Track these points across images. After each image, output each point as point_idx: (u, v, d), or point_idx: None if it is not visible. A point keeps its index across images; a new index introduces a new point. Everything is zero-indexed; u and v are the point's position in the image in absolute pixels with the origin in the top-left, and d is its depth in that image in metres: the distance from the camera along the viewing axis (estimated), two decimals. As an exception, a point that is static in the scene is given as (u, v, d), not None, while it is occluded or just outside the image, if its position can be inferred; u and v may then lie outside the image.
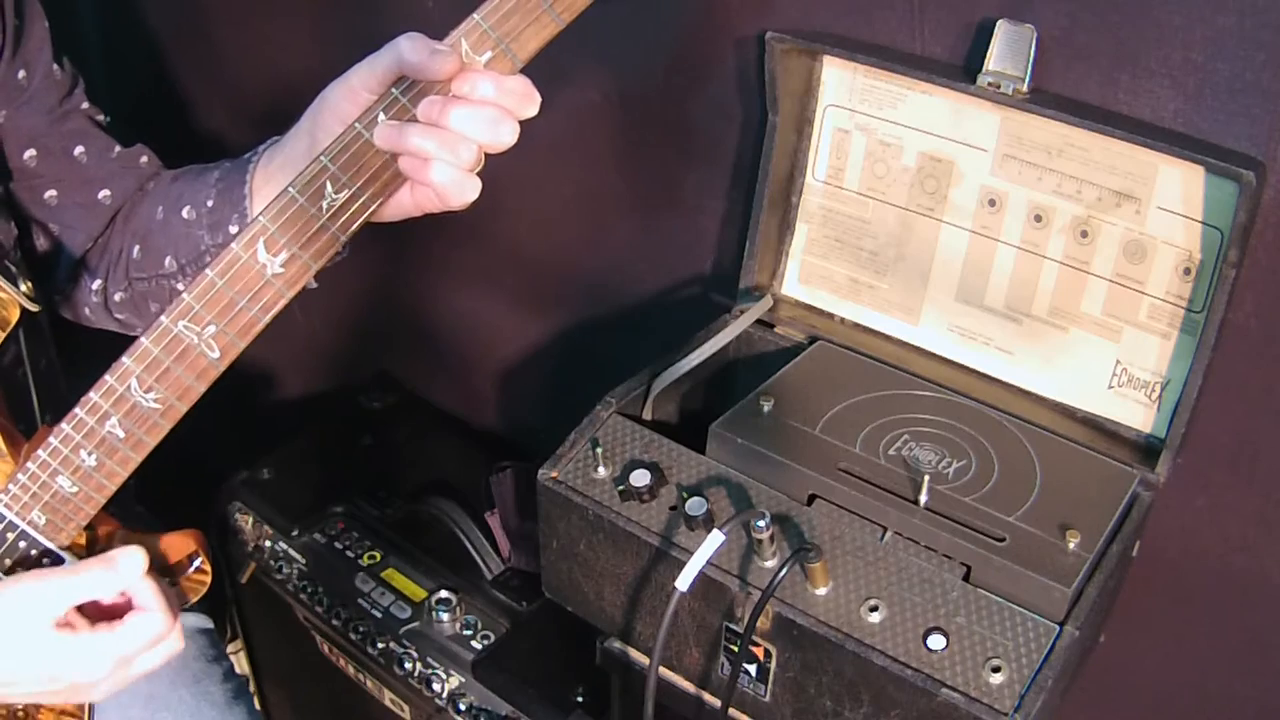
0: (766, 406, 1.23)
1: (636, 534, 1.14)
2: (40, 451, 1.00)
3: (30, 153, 1.21)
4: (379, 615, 1.64)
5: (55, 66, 1.21)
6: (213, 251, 1.14)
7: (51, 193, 1.23)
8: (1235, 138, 1.09)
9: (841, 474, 1.15)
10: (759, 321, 1.39)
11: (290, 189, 0.94)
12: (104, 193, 1.25)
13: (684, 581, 1.04)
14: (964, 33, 1.21)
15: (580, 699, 1.49)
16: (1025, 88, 1.15)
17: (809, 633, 1.05)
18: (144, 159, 1.28)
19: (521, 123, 0.93)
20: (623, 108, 1.56)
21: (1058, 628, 1.02)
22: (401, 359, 2.12)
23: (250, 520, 1.82)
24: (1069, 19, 1.14)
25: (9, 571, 1.04)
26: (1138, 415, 1.22)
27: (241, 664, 2.02)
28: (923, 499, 1.12)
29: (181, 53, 2.17)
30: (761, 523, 1.05)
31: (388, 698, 1.69)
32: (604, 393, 1.25)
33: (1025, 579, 1.05)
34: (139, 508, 1.38)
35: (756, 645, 1.09)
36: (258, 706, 1.48)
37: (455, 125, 0.90)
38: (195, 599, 1.12)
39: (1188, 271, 1.15)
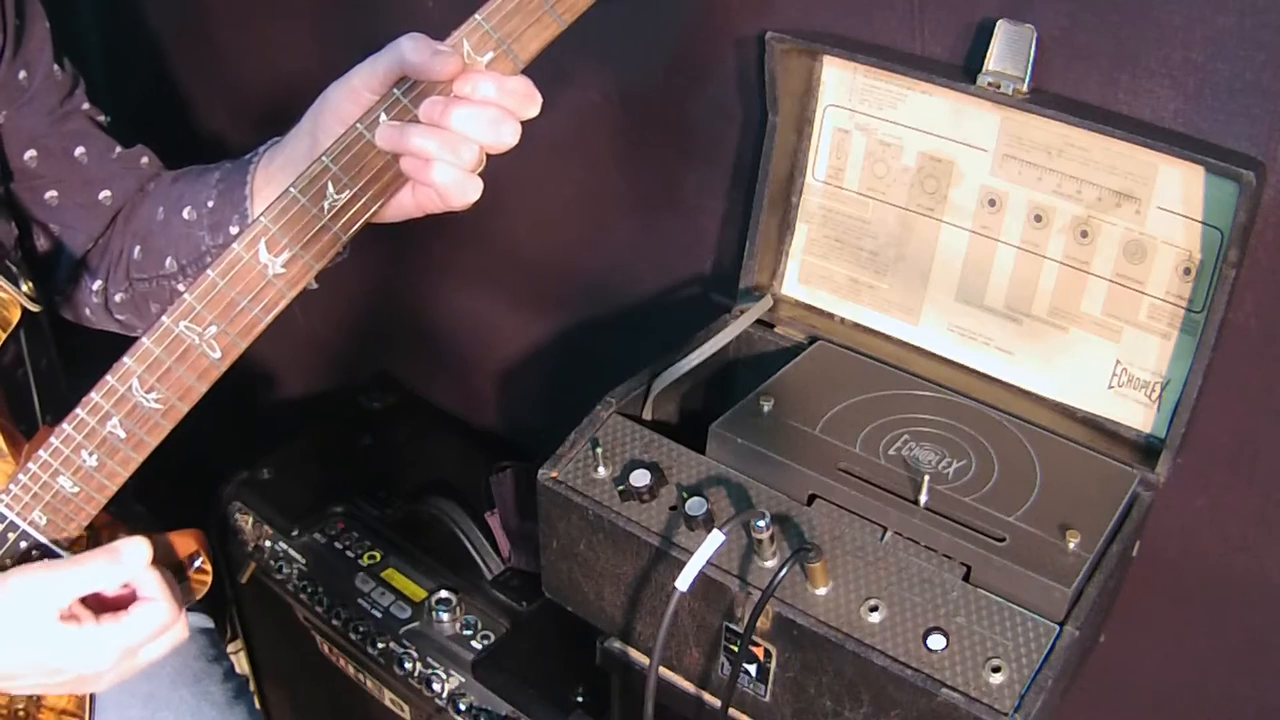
0: (766, 406, 1.23)
1: (636, 534, 1.14)
2: (41, 452, 1.01)
3: (31, 153, 1.21)
4: (379, 615, 1.64)
5: (56, 67, 1.21)
6: (213, 252, 1.15)
7: (52, 193, 1.23)
8: (1235, 138, 1.09)
9: (841, 474, 1.15)
10: (759, 321, 1.39)
11: (292, 189, 0.94)
12: (104, 193, 1.25)
13: (684, 581, 1.04)
14: (964, 33, 1.21)
15: (580, 699, 1.49)
16: (1025, 88, 1.15)
17: (809, 633, 1.05)
18: (145, 160, 1.28)
19: (522, 123, 0.93)
20: (623, 108, 1.56)
21: (1058, 628, 1.02)
22: (401, 359, 2.12)
23: (250, 520, 1.82)
24: (1069, 19, 1.14)
25: (9, 571, 1.04)
26: (1138, 415, 1.23)
27: (241, 664, 2.02)
28: (923, 499, 1.12)
29: (182, 53, 2.17)
30: (761, 523, 1.05)
31: (388, 698, 1.69)
32: (604, 393, 1.25)
33: (1025, 579, 1.05)
34: (139, 507, 1.38)
35: (756, 645, 1.09)
36: (258, 706, 1.48)
37: (457, 126, 0.91)
38: (196, 599, 1.12)
39: (1188, 271, 1.16)
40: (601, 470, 1.19)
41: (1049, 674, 0.99)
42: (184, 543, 1.11)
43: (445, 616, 1.62)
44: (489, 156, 0.93)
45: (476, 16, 0.91)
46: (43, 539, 1.04)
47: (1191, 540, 1.28)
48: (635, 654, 1.23)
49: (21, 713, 1.13)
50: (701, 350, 1.32)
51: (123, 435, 1.00)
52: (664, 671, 1.19)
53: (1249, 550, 1.25)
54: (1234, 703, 1.33)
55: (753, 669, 1.11)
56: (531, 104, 0.93)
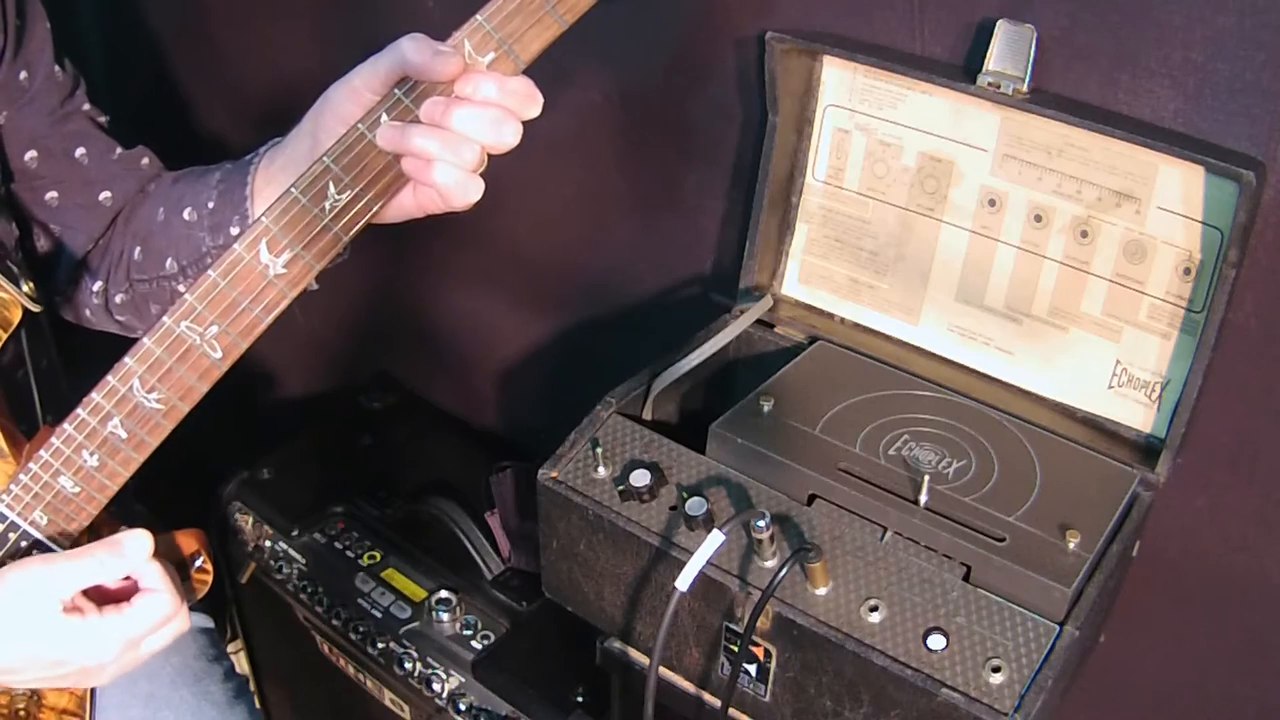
0: (766, 406, 1.23)
1: (636, 534, 1.14)
2: (42, 452, 1.01)
3: (31, 154, 1.21)
4: (379, 615, 1.64)
5: (57, 68, 1.21)
6: (214, 253, 1.15)
7: (52, 194, 1.23)
8: (1235, 138, 1.09)
9: (841, 474, 1.15)
10: (759, 321, 1.40)
11: (293, 189, 0.94)
12: (105, 194, 1.25)
13: (684, 581, 1.04)
14: (964, 33, 1.21)
15: (580, 699, 1.50)
16: (1025, 88, 1.15)
17: (809, 633, 1.05)
18: (145, 160, 1.28)
19: (523, 123, 0.93)
20: (623, 108, 1.56)
21: (1058, 628, 1.02)
22: (401, 359, 2.12)
23: (250, 520, 1.82)
24: (1069, 19, 1.14)
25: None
26: (1138, 415, 1.23)
27: (241, 664, 2.02)
28: (923, 499, 1.12)
29: (182, 54, 2.17)
30: (761, 523, 1.05)
31: (388, 698, 1.69)
32: (604, 393, 1.25)
33: (1025, 579, 1.05)
34: (139, 507, 1.38)
35: (756, 645, 1.09)
36: (258, 706, 1.48)
37: (458, 126, 0.91)
38: (197, 598, 1.12)
39: (1188, 271, 1.16)
40: (601, 470, 1.19)
41: (1049, 674, 1.00)
42: (185, 542, 1.11)
43: (445, 616, 1.62)
44: (490, 157, 0.93)
45: (478, 17, 0.92)
46: (43, 539, 1.04)
47: (1191, 540, 1.28)
48: (635, 654, 1.23)
49: (22, 713, 1.13)
50: (701, 350, 1.32)
51: (124, 435, 1.00)
52: (664, 671, 1.19)
53: (1249, 550, 1.25)
54: (1234, 703, 1.33)
55: (753, 669, 1.11)
56: (533, 104, 0.93)
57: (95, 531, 1.06)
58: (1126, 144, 1.13)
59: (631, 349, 1.37)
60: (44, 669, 1.01)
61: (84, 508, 1.03)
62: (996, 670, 1.00)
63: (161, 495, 1.44)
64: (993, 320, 1.30)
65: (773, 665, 1.09)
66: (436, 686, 1.59)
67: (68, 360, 1.31)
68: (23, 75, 1.18)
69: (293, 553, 1.76)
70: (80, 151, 1.23)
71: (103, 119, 1.27)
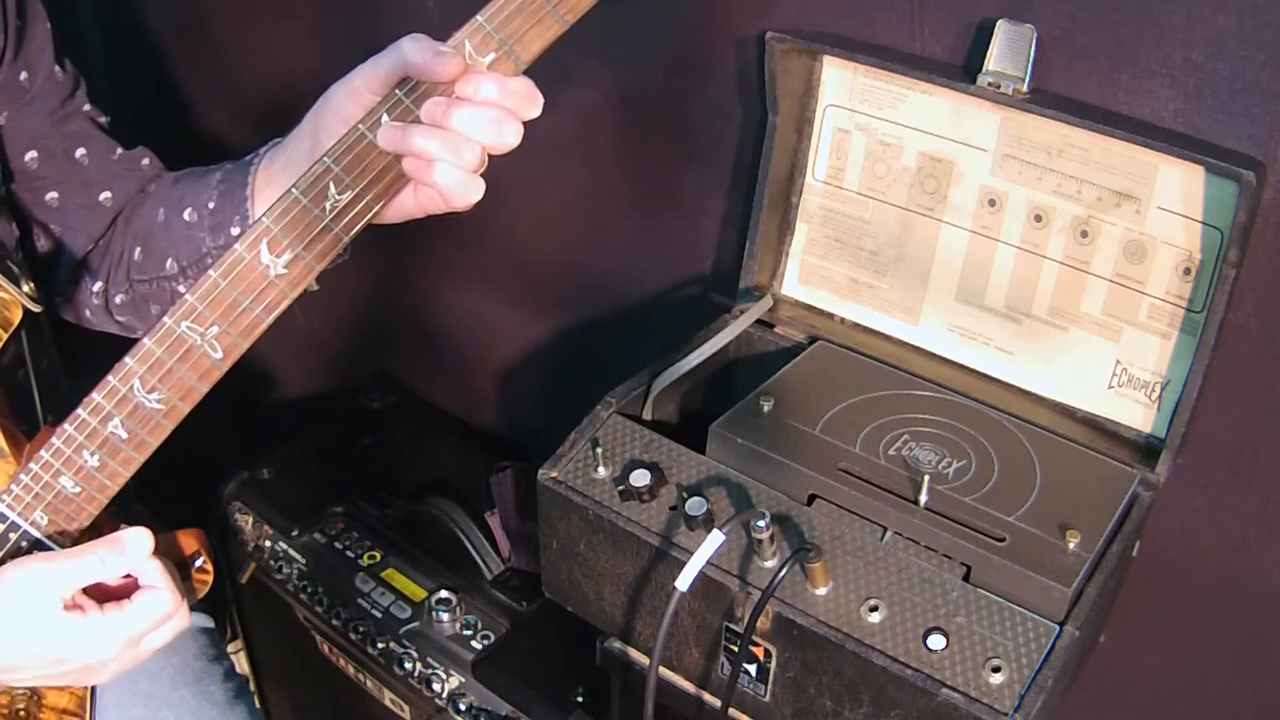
0: (766, 406, 1.23)
1: (636, 534, 1.14)
2: (43, 452, 1.01)
3: (32, 154, 1.21)
4: (379, 615, 1.64)
5: (57, 68, 1.21)
6: (214, 253, 1.15)
7: (53, 194, 1.23)
8: (1235, 138, 1.09)
9: (841, 474, 1.15)
10: (759, 321, 1.40)
11: (293, 190, 0.94)
12: (105, 195, 1.25)
13: (684, 581, 1.04)
14: (964, 33, 1.21)
15: (580, 699, 1.50)
16: (1025, 88, 1.15)
17: (809, 633, 1.05)
18: (145, 161, 1.28)
19: (523, 123, 0.93)
20: (623, 108, 1.56)
21: (1058, 628, 1.02)
22: (401, 359, 2.12)
23: (250, 520, 1.82)
24: (1069, 19, 1.14)
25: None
26: (1138, 415, 1.23)
27: (241, 664, 2.02)
28: (923, 499, 1.12)
29: (182, 54, 2.17)
30: (761, 523, 1.05)
31: (388, 698, 1.69)
32: (604, 393, 1.25)
33: (1025, 579, 1.05)
34: (140, 507, 1.39)
35: (756, 645, 1.09)
36: (258, 706, 1.49)
37: (459, 126, 0.91)
38: (198, 598, 1.12)
39: (1188, 271, 1.16)
40: (601, 470, 1.19)
41: (1049, 674, 1.00)
42: (186, 542, 1.11)
43: (445, 616, 1.62)
44: (490, 157, 0.93)
45: (478, 17, 0.92)
46: (44, 539, 1.04)
47: (1191, 540, 1.28)
48: (635, 654, 1.23)
49: (22, 713, 1.13)
50: (701, 350, 1.32)
51: (124, 435, 1.00)
52: (664, 671, 1.19)
53: (1249, 550, 1.25)
54: (1234, 703, 1.33)
55: (753, 669, 1.11)
56: (533, 105, 0.93)
57: (96, 531, 1.06)
58: (1126, 144, 1.13)
59: (631, 349, 1.37)
60: (45, 667, 1.01)
61: (85, 508, 1.03)
62: (996, 670, 1.00)
63: (162, 495, 1.44)
64: (993, 320, 1.30)
65: (773, 665, 1.10)
66: (436, 686, 1.59)
67: (68, 360, 1.31)
68: (23, 76, 1.18)
69: (293, 553, 1.76)
70: (80, 152, 1.23)
71: (103, 119, 1.27)
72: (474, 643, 1.59)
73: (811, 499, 1.15)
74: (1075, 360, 1.26)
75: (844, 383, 1.28)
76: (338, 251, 0.98)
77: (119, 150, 1.26)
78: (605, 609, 1.22)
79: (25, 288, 1.11)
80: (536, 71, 0.94)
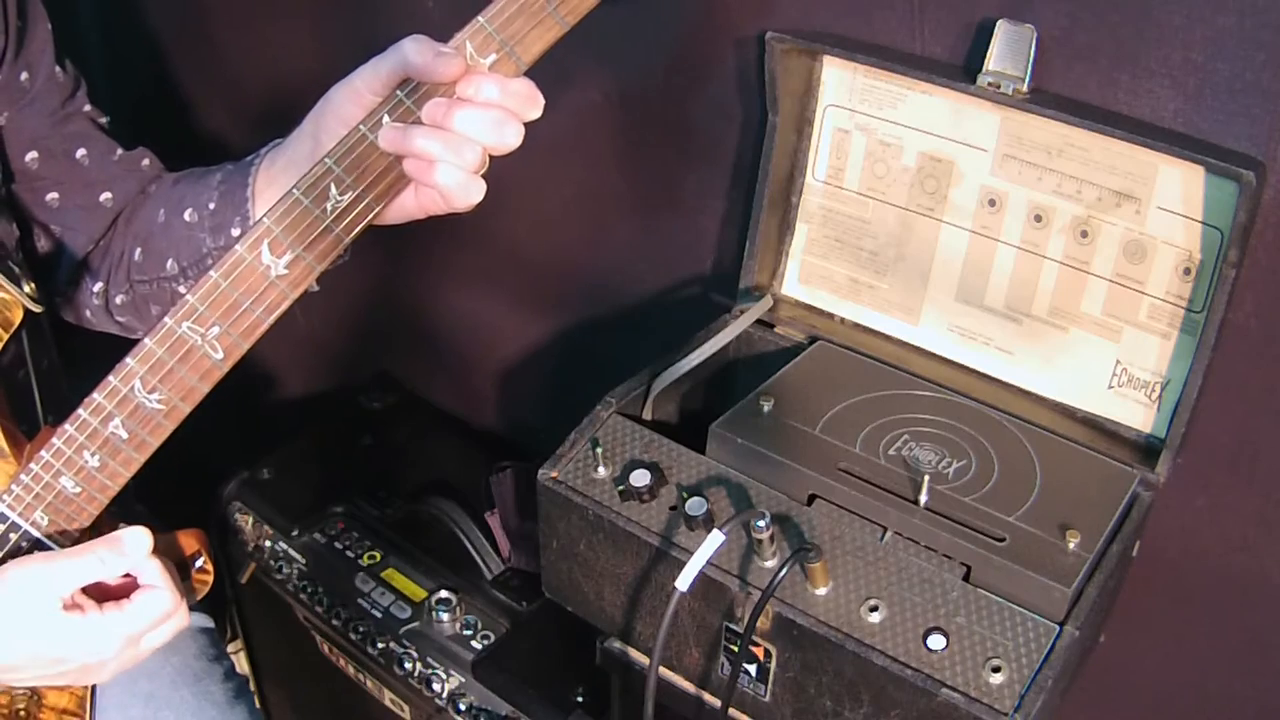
0: (766, 406, 1.23)
1: (636, 534, 1.14)
2: (43, 452, 1.01)
3: (32, 155, 1.21)
4: (379, 615, 1.64)
5: (57, 68, 1.21)
6: (214, 254, 1.15)
7: (53, 195, 1.23)
8: (1235, 138, 1.10)
9: (841, 474, 1.16)
10: (759, 321, 1.40)
11: (294, 191, 0.95)
12: (105, 195, 1.25)
13: (684, 581, 1.04)
14: (964, 33, 1.21)
15: (580, 699, 1.50)
16: (1025, 88, 1.15)
17: (809, 633, 1.05)
18: (145, 161, 1.28)
19: (524, 124, 0.93)
20: (623, 108, 1.56)
21: (1058, 628, 1.02)
22: (401, 359, 2.12)
23: (250, 520, 1.82)
24: (1069, 19, 1.14)
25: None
26: (1138, 415, 1.23)
27: (241, 664, 2.02)
28: (923, 499, 1.12)
29: (183, 55, 2.17)
30: (761, 523, 1.05)
31: (388, 698, 1.69)
32: (604, 393, 1.25)
33: (1025, 579, 1.05)
34: (140, 507, 1.39)
35: (756, 645, 1.09)
36: (258, 706, 1.49)
37: (460, 127, 0.91)
38: (198, 598, 1.12)
39: (1188, 271, 1.16)
40: (601, 470, 1.19)
41: (1049, 674, 1.00)
42: (186, 542, 1.12)
43: (445, 616, 1.62)
44: (491, 158, 0.93)
45: (479, 18, 0.92)
46: (44, 539, 1.04)
47: (1191, 540, 1.28)
48: (635, 654, 1.23)
49: (22, 713, 1.13)
50: (701, 350, 1.32)
51: (125, 436, 1.00)
52: (664, 671, 1.19)
53: (1249, 550, 1.25)
54: (1234, 703, 1.34)
55: (753, 669, 1.11)
56: (534, 105, 0.93)
57: (97, 530, 1.06)
58: (1126, 144, 1.13)
59: (631, 349, 1.37)
60: (45, 666, 1.01)
61: (85, 508, 1.03)
62: (996, 670, 1.00)
63: (162, 495, 1.44)
64: (993, 320, 1.30)
65: (773, 665, 1.10)
66: (436, 686, 1.59)
67: (68, 361, 1.31)
68: (24, 76, 1.18)
69: (293, 553, 1.76)
70: (81, 152, 1.23)
71: (103, 120, 1.27)
72: (474, 643, 1.60)
73: (811, 499, 1.15)
74: (1075, 360, 1.26)
75: (844, 383, 1.28)
76: (339, 252, 0.98)
77: (119, 151, 1.26)
78: (605, 609, 1.22)
79: (26, 288, 1.11)
80: (537, 72, 0.94)
